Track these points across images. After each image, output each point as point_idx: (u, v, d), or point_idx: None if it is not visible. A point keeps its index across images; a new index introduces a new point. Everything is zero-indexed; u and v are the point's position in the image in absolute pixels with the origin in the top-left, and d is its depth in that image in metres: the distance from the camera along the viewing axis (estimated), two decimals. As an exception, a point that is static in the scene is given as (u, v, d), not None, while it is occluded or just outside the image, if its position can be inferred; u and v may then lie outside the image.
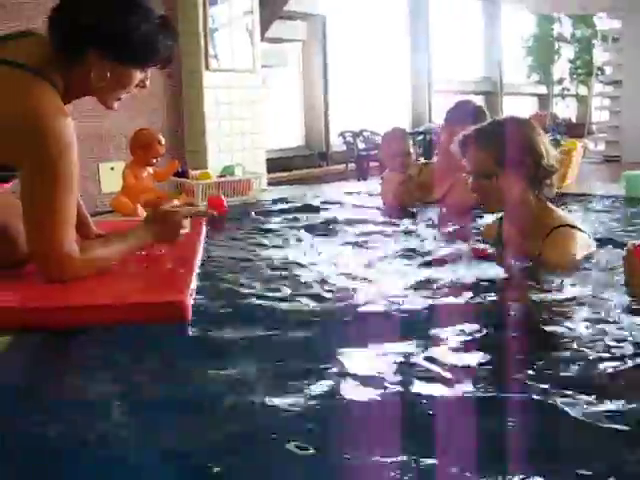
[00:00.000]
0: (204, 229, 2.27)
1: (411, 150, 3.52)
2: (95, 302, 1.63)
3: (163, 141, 3.26)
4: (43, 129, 1.63)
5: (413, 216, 3.33)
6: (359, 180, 10.68)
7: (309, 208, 3.60)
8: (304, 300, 2.24)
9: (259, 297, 2.12)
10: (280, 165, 10.35)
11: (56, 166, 1.65)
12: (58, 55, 1.74)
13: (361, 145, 10.60)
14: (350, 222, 3.27)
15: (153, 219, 2.00)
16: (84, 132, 4.38)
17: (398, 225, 3.18)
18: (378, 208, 3.57)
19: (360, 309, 2.11)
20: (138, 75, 1.84)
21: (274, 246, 2.86)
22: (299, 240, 2.95)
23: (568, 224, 2.29)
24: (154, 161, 3.25)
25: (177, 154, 5.02)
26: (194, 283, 1.79)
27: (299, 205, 3.64)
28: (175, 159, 3.53)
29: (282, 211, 3.46)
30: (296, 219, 3.30)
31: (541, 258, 2.26)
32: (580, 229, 2.31)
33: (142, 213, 3.14)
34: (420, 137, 10.52)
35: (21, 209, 1.72)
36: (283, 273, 2.55)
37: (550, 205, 2.35)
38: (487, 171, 2.25)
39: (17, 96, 1.66)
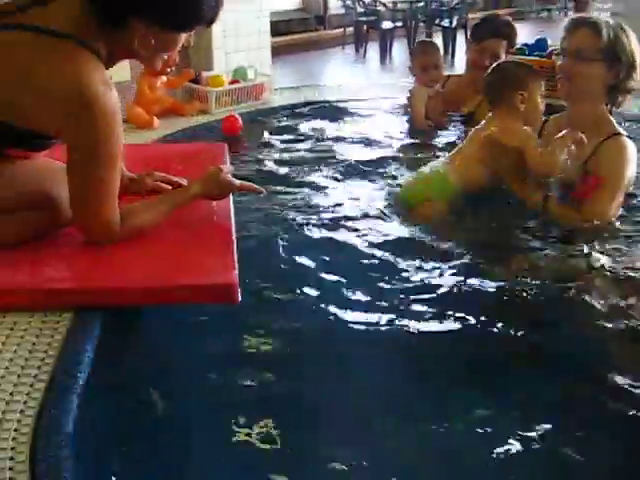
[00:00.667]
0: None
1: (442, 64, 3.41)
2: (142, 285, 1.63)
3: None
4: (91, 104, 1.57)
5: (441, 133, 3.31)
6: (357, 49, 10.41)
7: (325, 119, 3.49)
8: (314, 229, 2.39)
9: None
10: (277, 29, 9.99)
11: (104, 141, 1.61)
12: (98, 22, 1.65)
13: (360, 10, 10.22)
14: (373, 143, 3.20)
15: (212, 182, 1.96)
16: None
17: (428, 144, 3.18)
18: (406, 121, 3.46)
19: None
20: (183, 37, 1.77)
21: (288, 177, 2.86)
22: (318, 169, 2.92)
23: (623, 134, 2.33)
24: (169, 70, 3.14)
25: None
26: (236, 255, 1.78)
27: (313, 114, 3.54)
28: (188, 68, 3.40)
29: (294, 131, 3.33)
30: (311, 138, 3.22)
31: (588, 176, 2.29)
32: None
33: (157, 124, 3.08)
34: None
35: (64, 175, 1.69)
36: (292, 204, 2.60)
37: (612, 118, 2.38)
38: (588, 54, 2.28)
39: (63, 68, 1.57)
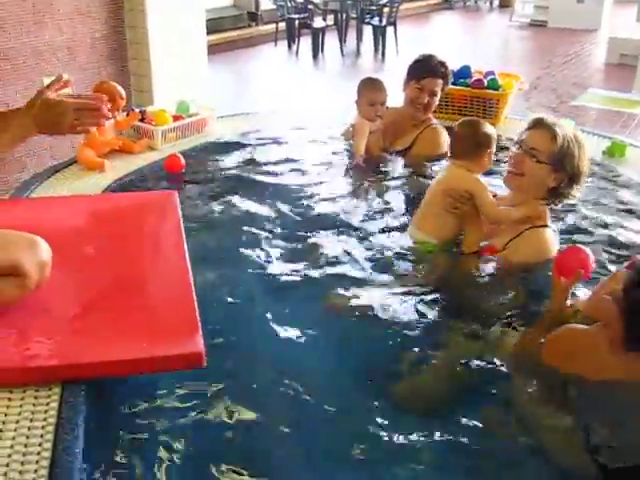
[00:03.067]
0: (185, 246, 2.37)
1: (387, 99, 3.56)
2: (110, 358, 1.76)
3: (124, 94, 3.28)
4: None
5: (381, 166, 3.51)
6: (290, 46, 10.56)
7: (266, 150, 3.68)
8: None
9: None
10: (208, 27, 10.06)
11: None
12: None
13: (291, 5, 10.37)
14: (315, 173, 3.42)
15: (36, 107, 1.98)
16: (26, 47, 4.31)
17: (370, 176, 3.39)
18: (347, 153, 3.63)
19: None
20: None
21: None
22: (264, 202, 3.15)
23: (548, 225, 2.54)
24: (116, 114, 3.30)
25: (120, 61, 4.98)
26: (198, 319, 1.97)
27: (257, 146, 3.73)
28: (133, 108, 3.56)
29: (238, 165, 3.50)
30: (257, 173, 3.43)
31: (510, 249, 2.51)
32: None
33: (109, 168, 3.23)
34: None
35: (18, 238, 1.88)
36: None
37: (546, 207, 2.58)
38: (538, 156, 2.46)
39: None
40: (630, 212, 3.02)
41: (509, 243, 2.53)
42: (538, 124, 2.52)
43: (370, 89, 3.53)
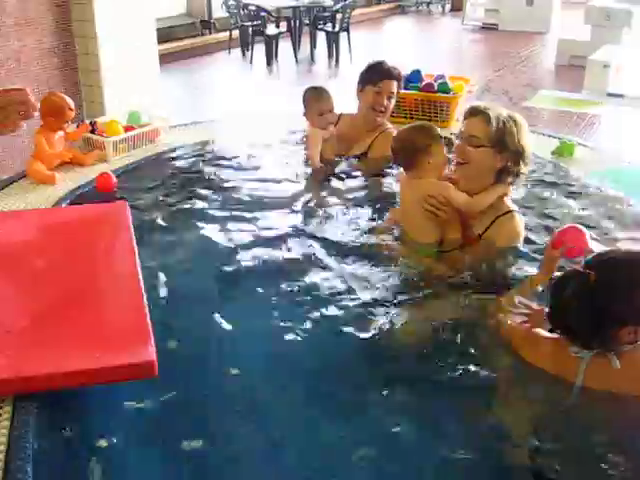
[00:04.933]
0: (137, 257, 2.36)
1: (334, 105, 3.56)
2: (61, 369, 1.75)
3: (73, 105, 3.24)
4: None
5: (339, 172, 3.50)
6: (244, 54, 10.54)
7: (224, 160, 3.65)
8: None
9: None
10: (161, 36, 9.99)
11: None
12: None
13: (244, 13, 10.34)
14: (268, 183, 3.37)
15: None
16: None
17: (325, 183, 3.38)
18: (304, 160, 3.61)
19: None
20: None
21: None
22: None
23: (514, 210, 2.59)
24: (65, 125, 3.25)
25: (70, 72, 4.92)
26: (150, 328, 1.95)
27: (210, 154, 3.70)
28: (84, 122, 3.52)
29: (191, 174, 3.43)
30: (210, 182, 3.38)
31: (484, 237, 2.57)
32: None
33: (59, 180, 3.18)
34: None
35: None
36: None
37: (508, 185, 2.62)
38: (478, 141, 2.50)
39: None
40: (575, 202, 3.15)
41: (484, 234, 2.58)
42: (472, 111, 2.58)
43: (317, 99, 3.53)
